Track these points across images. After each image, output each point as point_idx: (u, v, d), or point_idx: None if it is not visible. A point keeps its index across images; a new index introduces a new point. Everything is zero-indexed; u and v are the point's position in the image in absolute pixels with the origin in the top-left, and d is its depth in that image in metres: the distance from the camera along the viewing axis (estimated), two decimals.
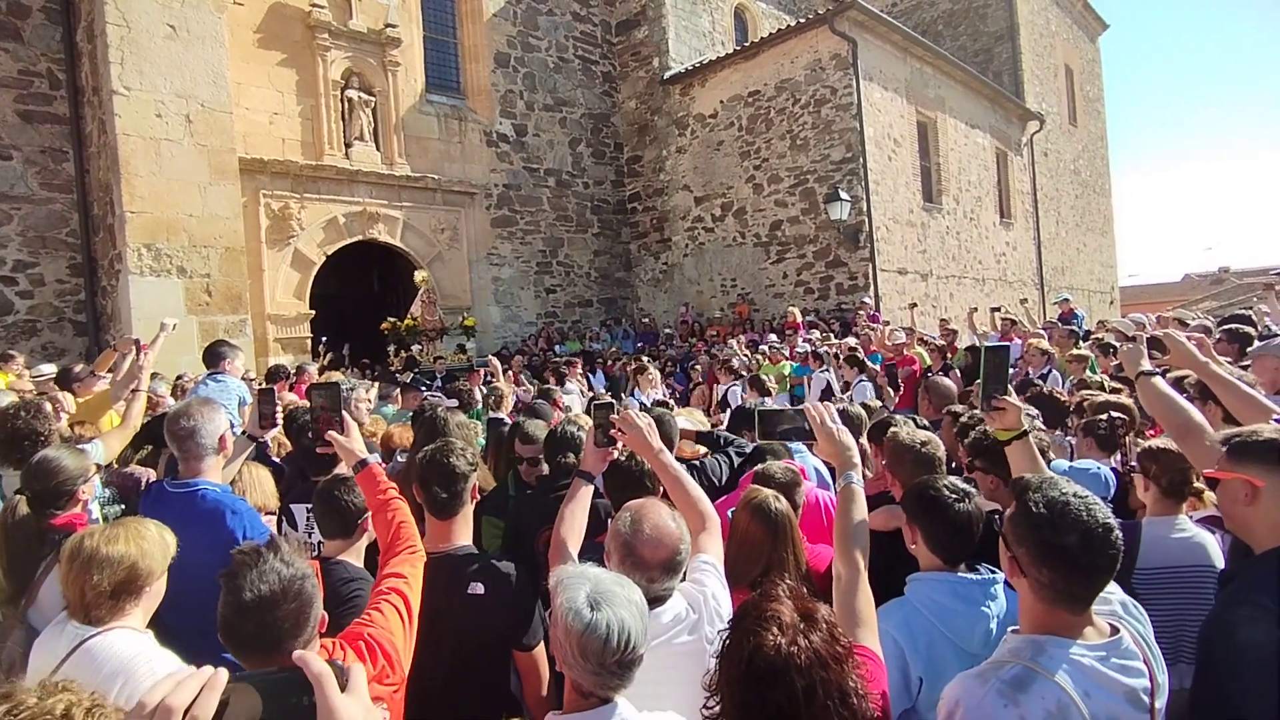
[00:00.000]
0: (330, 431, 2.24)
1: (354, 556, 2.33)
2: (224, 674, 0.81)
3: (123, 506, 3.32)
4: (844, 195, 12.72)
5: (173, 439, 2.53)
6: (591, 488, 2.23)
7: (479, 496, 2.43)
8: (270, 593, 1.41)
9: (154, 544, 1.83)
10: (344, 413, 2.29)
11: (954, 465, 3.02)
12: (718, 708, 1.31)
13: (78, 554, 1.76)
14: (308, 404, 4.05)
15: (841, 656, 1.25)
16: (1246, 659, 1.48)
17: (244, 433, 2.89)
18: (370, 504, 2.12)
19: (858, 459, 2.06)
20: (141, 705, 0.78)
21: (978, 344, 8.39)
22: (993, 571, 1.92)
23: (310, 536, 2.74)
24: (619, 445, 2.29)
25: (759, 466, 2.67)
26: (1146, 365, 2.43)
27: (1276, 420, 2.10)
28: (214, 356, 5.34)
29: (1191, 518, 2.48)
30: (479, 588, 2.11)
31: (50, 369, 5.83)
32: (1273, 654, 1.46)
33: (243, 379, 5.57)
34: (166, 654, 1.81)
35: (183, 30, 9.44)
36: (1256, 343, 3.94)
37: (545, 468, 3.10)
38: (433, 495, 2.16)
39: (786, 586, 1.37)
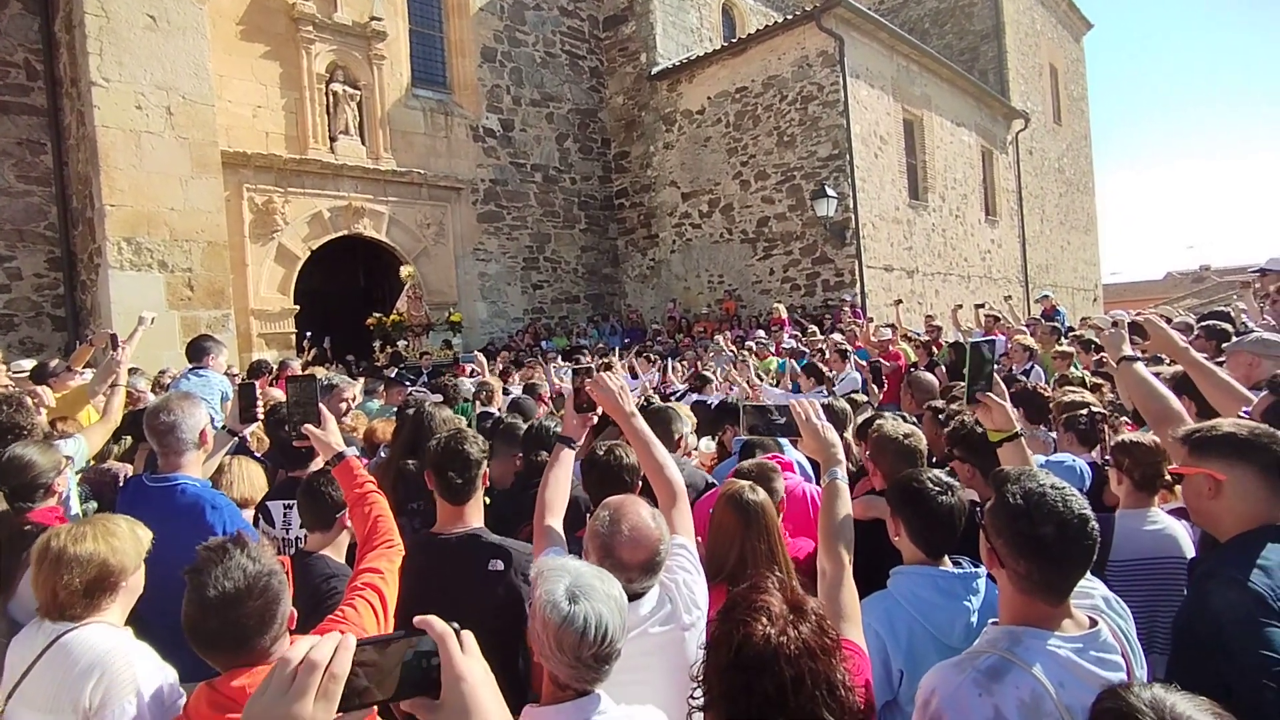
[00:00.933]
0: (307, 425, 2.23)
1: (335, 552, 2.32)
2: (353, 637, 0.81)
3: (95, 504, 3.29)
4: (830, 192, 12.77)
5: (152, 434, 2.51)
6: (573, 453, 2.23)
7: (488, 483, 2.45)
8: (235, 589, 1.38)
9: (125, 540, 1.81)
10: (320, 406, 2.28)
11: (935, 460, 3.04)
12: (704, 698, 1.30)
13: (46, 554, 1.74)
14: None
15: (830, 648, 1.25)
16: (1225, 621, 1.52)
17: (224, 427, 2.87)
18: (347, 497, 2.11)
19: (842, 455, 2.07)
20: (285, 661, 0.78)
21: (961, 340, 8.46)
22: (975, 565, 1.94)
23: (287, 533, 2.72)
24: (598, 409, 2.29)
25: (743, 463, 2.68)
26: (1128, 350, 2.45)
27: (1246, 412, 2.13)
28: (197, 351, 5.29)
29: (1164, 509, 2.51)
30: (498, 564, 2.16)
31: (29, 364, 5.75)
32: (1248, 613, 1.50)
33: (225, 374, 5.52)
34: (144, 648, 1.79)
35: (163, 21, 9.31)
36: (1233, 339, 3.99)
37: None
38: (447, 481, 2.21)
39: (776, 579, 1.36)
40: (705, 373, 7.62)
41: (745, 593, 1.34)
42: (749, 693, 1.21)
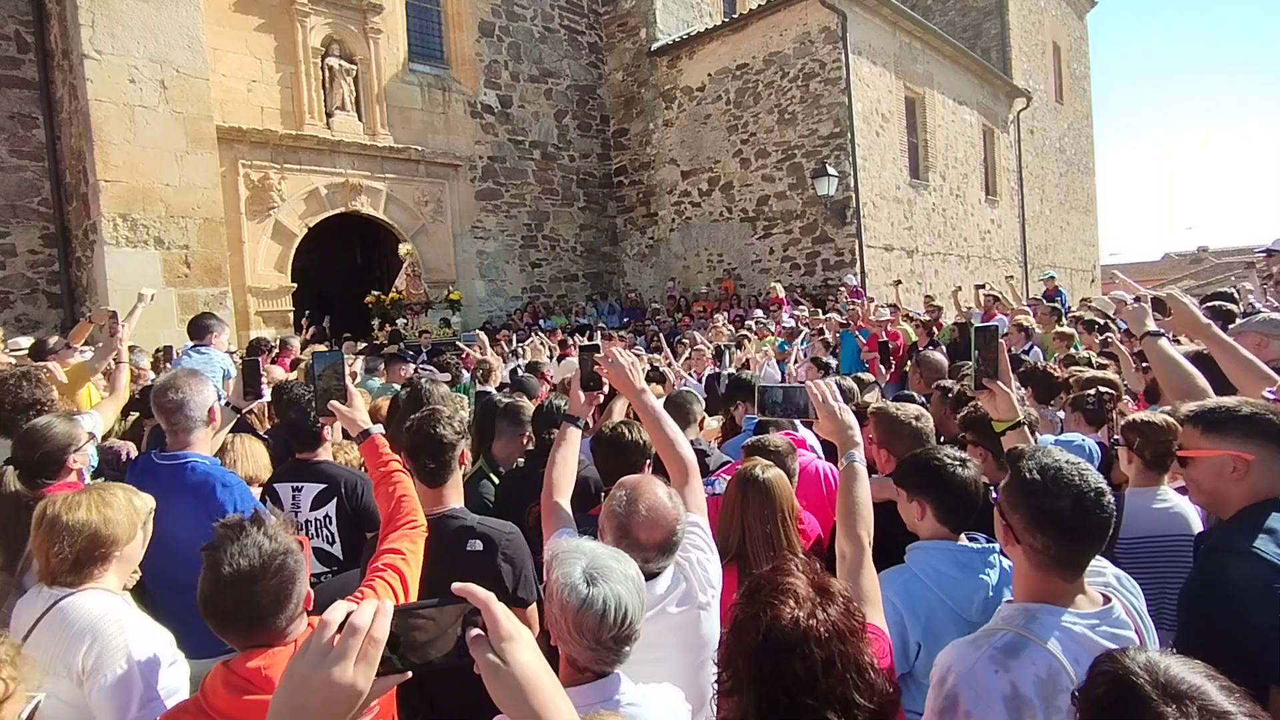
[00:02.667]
0: (333, 402, 2.21)
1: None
2: (391, 604, 0.81)
3: (102, 479, 3.28)
4: (831, 171, 12.69)
5: (160, 411, 2.49)
6: (579, 431, 2.20)
7: (468, 462, 2.43)
8: (250, 567, 1.36)
9: (119, 510, 1.81)
10: (348, 382, 2.26)
11: (943, 439, 3.04)
12: (729, 682, 1.27)
13: (41, 521, 1.76)
14: (294, 378, 4.00)
15: (858, 630, 1.23)
16: (1241, 591, 1.54)
17: (228, 403, 2.86)
18: (372, 475, 2.10)
19: (859, 438, 2.04)
20: (326, 624, 0.78)
21: (965, 322, 8.45)
22: (990, 541, 1.94)
23: (296, 515, 2.71)
24: (605, 387, 2.27)
25: (754, 438, 2.68)
26: (1151, 326, 2.42)
27: (1272, 392, 2.12)
28: (200, 329, 5.27)
29: (1172, 488, 2.52)
30: (477, 544, 2.15)
31: (26, 342, 5.71)
32: (1263, 582, 1.52)
33: (226, 353, 5.50)
34: (138, 614, 1.81)
35: None
36: (1239, 320, 3.98)
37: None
38: (421, 465, 2.18)
39: (799, 560, 1.34)
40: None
41: (769, 575, 1.31)
42: (779, 676, 1.19)
